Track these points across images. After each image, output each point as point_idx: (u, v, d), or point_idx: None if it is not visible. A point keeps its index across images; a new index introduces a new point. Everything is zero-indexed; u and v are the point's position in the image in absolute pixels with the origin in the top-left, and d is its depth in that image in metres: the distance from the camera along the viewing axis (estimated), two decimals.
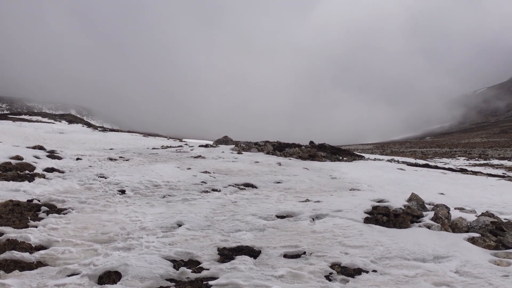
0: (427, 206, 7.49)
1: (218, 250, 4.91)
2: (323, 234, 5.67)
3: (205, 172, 11.77)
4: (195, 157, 16.13)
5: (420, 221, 6.38)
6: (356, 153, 26.99)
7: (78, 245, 5.00)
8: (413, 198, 7.52)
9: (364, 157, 23.93)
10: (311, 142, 24.62)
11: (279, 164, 14.92)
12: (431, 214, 6.59)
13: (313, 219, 6.52)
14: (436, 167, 20.88)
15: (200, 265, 4.45)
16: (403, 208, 6.92)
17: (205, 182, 10.00)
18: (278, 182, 10.58)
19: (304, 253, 4.85)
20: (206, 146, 23.13)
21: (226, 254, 4.76)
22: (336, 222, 6.22)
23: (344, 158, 20.63)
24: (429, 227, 5.99)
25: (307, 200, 8.00)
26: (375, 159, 23.96)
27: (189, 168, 12.34)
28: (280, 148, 20.93)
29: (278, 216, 6.70)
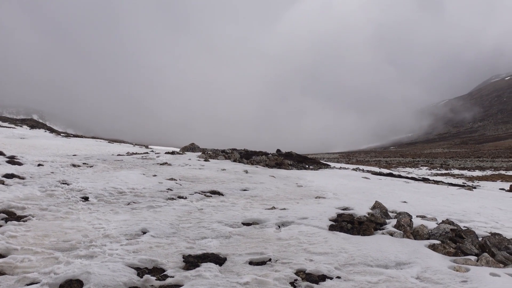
0: (390, 214, 7.67)
1: (183, 258, 4.87)
2: (288, 241, 5.71)
3: (171, 179, 11.65)
4: (161, 164, 15.93)
5: (383, 229, 6.52)
6: (322, 161, 27.34)
7: (38, 253, 4.84)
8: (377, 206, 7.68)
9: (330, 165, 24.26)
10: (278, 150, 24.79)
11: (246, 171, 14.93)
12: (394, 221, 6.74)
13: (279, 226, 6.56)
14: (400, 176, 21.40)
15: (165, 273, 4.39)
16: (367, 215, 7.06)
17: (171, 189, 9.90)
18: (245, 190, 10.59)
19: (270, 260, 4.87)
20: (173, 153, 22.90)
21: (191, 262, 4.72)
22: (301, 229, 6.28)
23: (311, 167, 20.86)
24: (392, 234, 6.13)
25: (273, 208, 8.04)
26: (340, 168, 24.33)
27: (154, 175, 12.19)
28: (247, 156, 20.97)
29: (244, 224, 6.70)
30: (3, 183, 9.26)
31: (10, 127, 45.99)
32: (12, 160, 12.65)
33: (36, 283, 3.97)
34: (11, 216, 6.51)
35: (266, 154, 22.16)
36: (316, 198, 9.82)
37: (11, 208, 7.07)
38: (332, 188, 11.94)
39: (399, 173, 27.42)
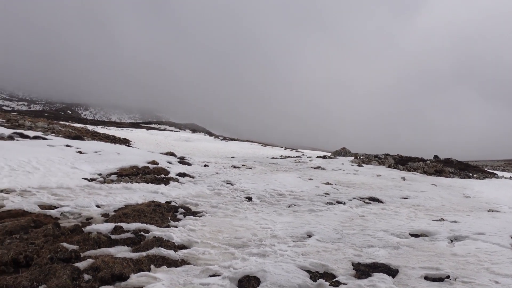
0: None
1: (352, 265, 4.76)
2: (465, 258, 5.20)
3: (327, 183, 11.63)
4: (314, 168, 16.07)
5: None
6: (487, 170, 24.75)
7: (215, 247, 5.21)
8: None
9: (497, 174, 21.82)
10: (436, 157, 23.19)
11: (403, 178, 14.21)
12: None
13: (452, 240, 6.03)
14: None
15: (336, 279, 4.32)
16: None
17: (328, 194, 9.87)
18: (405, 198, 10.05)
19: (448, 277, 4.48)
20: (324, 157, 22.96)
21: (362, 270, 4.59)
22: (479, 246, 5.69)
23: (475, 175, 19.01)
24: None
25: (442, 220, 7.45)
26: (511, 178, 21.71)
27: (310, 179, 12.32)
28: (402, 162, 19.98)
29: (411, 234, 6.30)
30: (177, 181, 10.26)
31: (176, 131, 51.21)
32: (182, 161, 13.98)
33: (218, 275, 4.24)
34: (187, 211, 7.16)
35: (423, 160, 20.85)
36: (488, 211, 8.86)
37: (187, 204, 7.79)
38: (506, 201, 10.66)
39: None
